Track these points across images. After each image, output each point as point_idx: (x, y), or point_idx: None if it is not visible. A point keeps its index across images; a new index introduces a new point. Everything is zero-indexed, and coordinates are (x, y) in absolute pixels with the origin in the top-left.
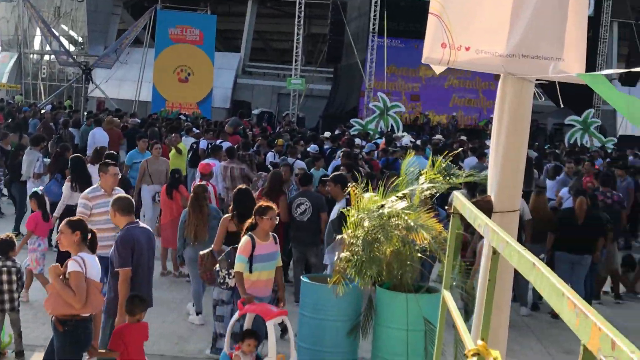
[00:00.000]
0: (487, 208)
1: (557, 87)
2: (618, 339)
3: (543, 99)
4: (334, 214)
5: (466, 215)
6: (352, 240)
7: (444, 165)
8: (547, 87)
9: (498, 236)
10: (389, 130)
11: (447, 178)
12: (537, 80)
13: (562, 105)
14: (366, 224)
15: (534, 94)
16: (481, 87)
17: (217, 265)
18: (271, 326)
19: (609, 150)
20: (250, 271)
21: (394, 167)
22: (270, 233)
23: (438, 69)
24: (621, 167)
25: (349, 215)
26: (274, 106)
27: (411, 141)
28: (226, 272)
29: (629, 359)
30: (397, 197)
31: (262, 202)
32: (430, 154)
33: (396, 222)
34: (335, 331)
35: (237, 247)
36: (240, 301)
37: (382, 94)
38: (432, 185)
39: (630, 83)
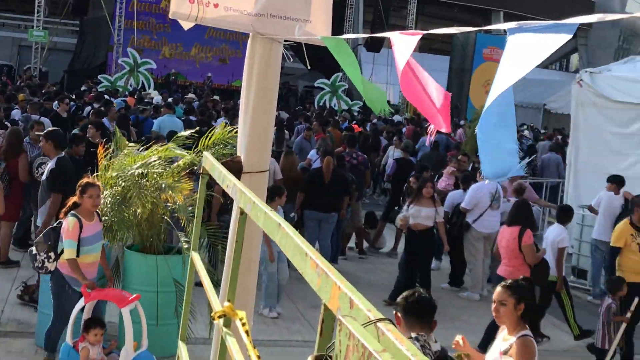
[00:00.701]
0: (236, 168)
1: (304, 49)
2: (356, 297)
3: (292, 60)
4: (45, 174)
5: (215, 176)
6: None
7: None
8: (298, 49)
9: (245, 197)
10: (139, 87)
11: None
12: (286, 41)
13: (309, 68)
14: (113, 173)
15: (283, 55)
16: (228, 55)
17: (34, 248)
18: (127, 313)
19: (355, 113)
20: (78, 255)
21: (145, 126)
22: (94, 211)
23: (186, 25)
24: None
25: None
26: (14, 59)
27: (162, 99)
28: (45, 255)
29: (365, 317)
30: (156, 158)
31: (85, 179)
32: (182, 113)
33: (148, 183)
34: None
35: (56, 228)
36: (84, 288)
37: (131, 50)
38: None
39: (375, 49)
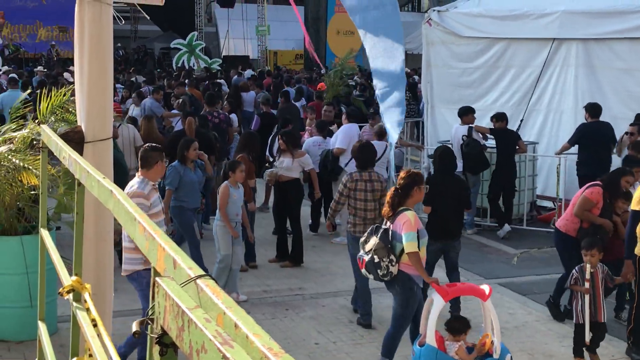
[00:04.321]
0: (78, 139)
1: (137, 6)
2: (179, 257)
3: (123, 22)
4: None
5: (53, 148)
6: None
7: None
8: (152, 12)
9: (80, 167)
10: None
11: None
12: (128, 4)
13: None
14: None
15: (114, 17)
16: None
17: (374, 256)
18: (490, 306)
19: (214, 71)
20: (419, 247)
21: None
22: None
23: None
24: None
25: None
26: None
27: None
28: (388, 260)
29: (186, 275)
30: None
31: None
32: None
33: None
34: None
35: (386, 229)
36: (442, 286)
37: None
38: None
39: (228, 4)
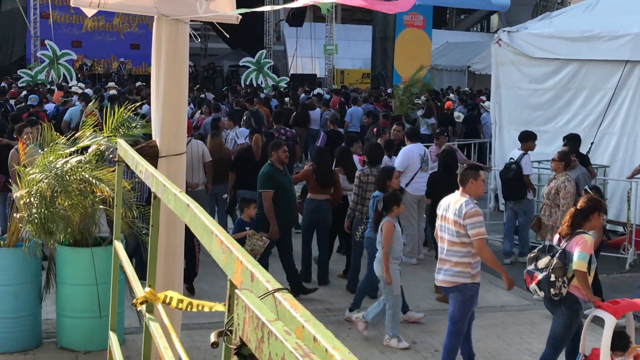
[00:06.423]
0: (152, 153)
1: (215, 26)
2: (256, 270)
3: (199, 40)
4: None
5: (129, 162)
6: (27, 200)
7: (125, 116)
8: (221, 30)
9: (157, 180)
10: (60, 79)
11: (128, 130)
12: (205, 23)
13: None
14: (36, 171)
15: (190, 35)
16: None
17: (552, 275)
18: None
19: (281, 89)
20: (589, 272)
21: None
22: None
23: (89, 12)
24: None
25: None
26: None
27: (81, 89)
28: (562, 280)
29: (265, 289)
30: (72, 151)
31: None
32: (107, 104)
33: (73, 176)
34: (14, 296)
35: (564, 250)
36: (609, 303)
37: (50, 42)
38: (108, 138)
39: (297, 23)
